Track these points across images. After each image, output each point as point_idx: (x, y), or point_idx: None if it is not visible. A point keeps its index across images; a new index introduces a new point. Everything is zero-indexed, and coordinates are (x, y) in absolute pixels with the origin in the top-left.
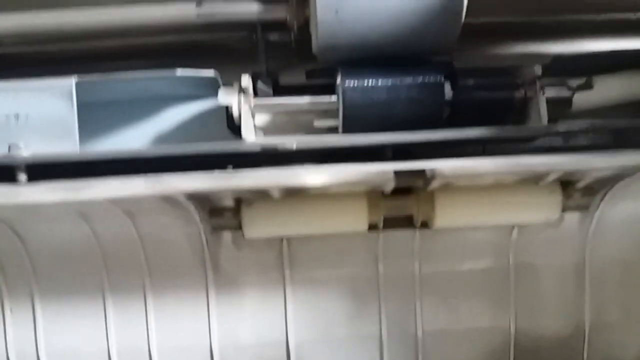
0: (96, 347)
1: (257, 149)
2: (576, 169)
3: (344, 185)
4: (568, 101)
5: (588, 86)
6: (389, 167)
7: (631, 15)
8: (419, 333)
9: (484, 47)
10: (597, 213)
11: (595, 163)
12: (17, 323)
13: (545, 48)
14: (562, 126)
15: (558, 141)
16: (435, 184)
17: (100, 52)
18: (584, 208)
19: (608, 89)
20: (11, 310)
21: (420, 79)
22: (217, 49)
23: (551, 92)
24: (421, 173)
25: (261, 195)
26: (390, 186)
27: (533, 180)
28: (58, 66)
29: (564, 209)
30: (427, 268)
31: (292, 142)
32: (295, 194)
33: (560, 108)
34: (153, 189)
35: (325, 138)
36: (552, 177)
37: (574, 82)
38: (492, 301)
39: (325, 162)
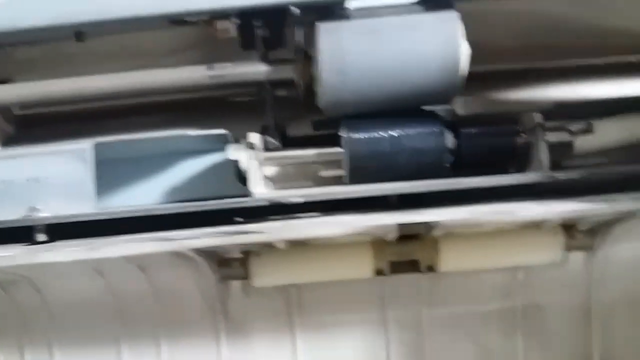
0: None
1: (265, 203)
2: (573, 216)
3: (348, 236)
4: (569, 145)
5: (588, 130)
6: (391, 218)
7: (632, 58)
8: None
9: (489, 93)
10: (602, 253)
11: (591, 210)
12: None
13: (548, 92)
14: (561, 174)
15: (558, 187)
16: (437, 232)
17: (120, 110)
18: (588, 248)
19: (608, 133)
20: None
21: (421, 130)
22: (228, 104)
23: (552, 137)
24: (423, 224)
25: (268, 246)
26: (393, 236)
27: (535, 225)
28: (80, 123)
29: (568, 249)
30: (434, 311)
31: (298, 196)
32: (301, 244)
33: (562, 151)
34: (164, 246)
35: (331, 190)
36: (551, 223)
37: (575, 127)
38: (500, 343)
39: (331, 212)
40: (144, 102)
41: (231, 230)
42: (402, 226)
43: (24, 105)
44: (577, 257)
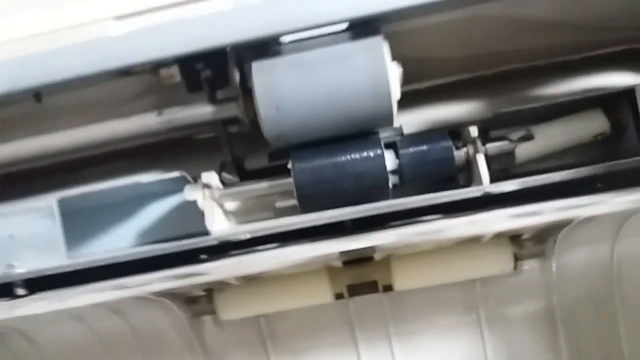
0: None
1: (215, 242)
2: (506, 229)
3: (295, 267)
4: (511, 154)
5: (529, 137)
6: (331, 246)
7: (575, 57)
8: None
9: (433, 108)
10: (555, 258)
11: (517, 222)
12: None
13: (490, 102)
14: (494, 188)
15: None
16: (378, 255)
17: (81, 162)
18: (540, 255)
19: (549, 138)
20: None
21: (362, 154)
22: (188, 144)
23: (492, 149)
24: (363, 249)
25: (226, 284)
26: (338, 262)
27: (474, 240)
28: (53, 177)
29: (519, 258)
30: (401, 328)
31: (245, 233)
32: (256, 279)
33: (504, 161)
34: (124, 293)
35: (274, 222)
36: (487, 236)
37: (515, 135)
38: (468, 353)
39: (285, 241)
40: (107, 151)
41: (180, 273)
42: (342, 254)
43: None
44: (532, 264)
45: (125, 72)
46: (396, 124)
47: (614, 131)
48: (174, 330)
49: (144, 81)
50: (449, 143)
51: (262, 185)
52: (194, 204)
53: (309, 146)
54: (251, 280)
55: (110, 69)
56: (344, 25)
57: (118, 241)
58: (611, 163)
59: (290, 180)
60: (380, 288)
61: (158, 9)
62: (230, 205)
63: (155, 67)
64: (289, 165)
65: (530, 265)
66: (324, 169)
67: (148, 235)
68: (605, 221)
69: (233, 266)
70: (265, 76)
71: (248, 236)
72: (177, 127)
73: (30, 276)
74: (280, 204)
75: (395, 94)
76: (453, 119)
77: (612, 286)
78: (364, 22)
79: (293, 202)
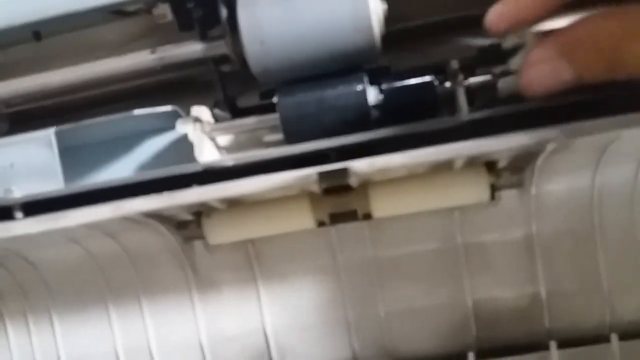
0: (105, 348)
1: (200, 168)
2: (470, 154)
3: (276, 191)
4: (492, 88)
5: (508, 72)
6: (310, 171)
7: None
8: (382, 314)
9: (420, 47)
10: (533, 188)
11: (483, 147)
12: (39, 333)
13: (474, 39)
14: (468, 116)
15: (469, 129)
16: (354, 181)
17: (83, 102)
18: (518, 185)
19: None
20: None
21: (345, 89)
22: (182, 85)
23: (474, 82)
24: (338, 172)
25: (212, 208)
26: (317, 187)
27: (446, 166)
28: (57, 117)
29: (496, 188)
30: (380, 253)
31: (229, 160)
32: (239, 204)
33: (486, 95)
34: (114, 212)
35: (257, 153)
36: (458, 162)
37: (497, 69)
38: (447, 279)
39: (268, 172)
40: (105, 92)
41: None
42: (322, 176)
43: (7, 103)
44: (510, 194)
45: (121, 13)
46: (384, 63)
47: None
48: (165, 253)
49: (139, 24)
50: (431, 77)
51: (251, 121)
52: (187, 141)
53: (295, 83)
54: (236, 206)
55: (102, 5)
56: None
57: (113, 175)
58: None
59: (277, 115)
60: (360, 216)
61: None
62: (222, 140)
63: (149, 6)
64: (275, 101)
65: (509, 195)
66: (308, 103)
67: (142, 170)
68: (585, 148)
69: (215, 189)
70: (249, 10)
71: (232, 162)
72: (170, 64)
73: (27, 200)
74: (268, 138)
75: (378, 27)
76: (441, 58)
77: (592, 216)
78: None
79: (280, 136)
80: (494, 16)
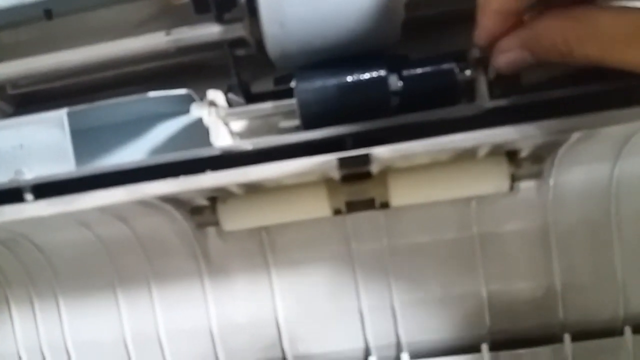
0: (113, 335)
1: (218, 152)
2: (504, 142)
3: (295, 177)
4: (516, 77)
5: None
6: (331, 156)
7: None
8: (396, 304)
9: (441, 35)
10: (552, 179)
11: (507, 135)
12: (45, 319)
13: None
14: (490, 104)
15: (491, 117)
16: (375, 168)
17: (94, 85)
18: (537, 175)
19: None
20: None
21: (365, 75)
22: (195, 69)
23: (494, 71)
24: (360, 158)
25: (228, 193)
26: (337, 173)
27: (470, 154)
28: (66, 99)
29: (516, 178)
30: (395, 243)
31: (248, 144)
32: (257, 189)
33: (510, 84)
34: (129, 195)
35: (276, 138)
36: (482, 150)
37: None
38: (462, 269)
39: (286, 158)
40: (119, 74)
41: (183, 179)
42: (342, 162)
43: (14, 84)
44: (529, 185)
45: None
46: (403, 51)
47: None
48: (177, 239)
49: (154, 5)
50: (452, 65)
51: (266, 106)
52: (201, 125)
53: (314, 67)
54: (253, 192)
55: None
56: None
57: (124, 158)
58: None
59: (294, 100)
60: (377, 205)
61: None
62: (236, 125)
63: None
64: (293, 86)
65: (527, 186)
66: (327, 89)
67: (156, 154)
68: (606, 140)
69: (235, 174)
70: None
71: (250, 147)
72: (185, 47)
73: (38, 182)
74: (284, 124)
75: (399, 11)
76: (459, 46)
77: (609, 208)
78: None
79: (296, 122)
80: (477, 36)
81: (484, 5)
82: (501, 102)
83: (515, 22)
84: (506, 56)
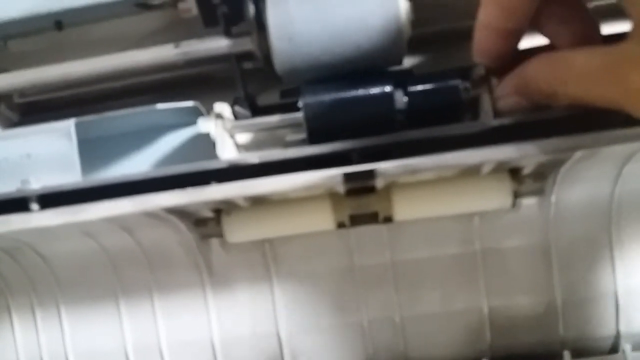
0: (114, 345)
1: (225, 165)
2: (508, 160)
3: (300, 190)
4: None
5: None
6: (337, 171)
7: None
8: (397, 318)
9: (446, 51)
10: (554, 196)
11: (512, 153)
12: (46, 328)
13: None
14: (494, 122)
15: (496, 135)
16: (380, 183)
17: (101, 95)
18: (539, 192)
19: None
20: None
21: (372, 91)
22: (202, 81)
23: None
24: (365, 173)
25: (234, 206)
26: (342, 188)
27: (474, 171)
28: (73, 109)
29: (518, 195)
30: (398, 257)
31: (254, 157)
32: (262, 202)
33: None
34: (136, 207)
35: (282, 152)
36: (487, 167)
37: None
38: (463, 285)
39: (292, 171)
40: (126, 85)
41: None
42: (348, 176)
43: (21, 93)
44: (530, 201)
45: (145, 5)
46: (407, 65)
47: None
48: (181, 250)
49: (163, 17)
50: (457, 82)
51: (273, 119)
52: (207, 137)
53: (321, 83)
54: (258, 204)
55: None
56: None
57: (130, 169)
58: None
59: (301, 114)
60: (381, 219)
61: None
62: (242, 137)
63: (174, 0)
64: (299, 99)
65: (528, 202)
66: (333, 104)
67: (161, 165)
68: (607, 159)
69: (241, 186)
70: (279, 7)
71: (257, 160)
72: (193, 59)
73: (44, 192)
74: (290, 137)
75: (406, 29)
76: (464, 63)
77: (610, 226)
78: None
79: (302, 135)
80: (473, 50)
81: (477, 20)
82: (505, 121)
83: (513, 57)
84: (504, 102)
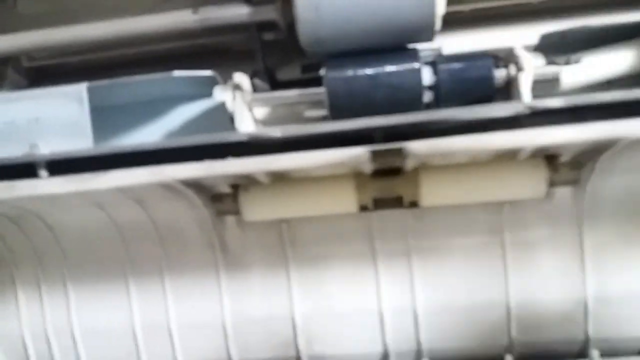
0: (122, 324)
1: (245, 138)
2: (551, 145)
3: (325, 168)
4: (556, 80)
5: (575, 60)
6: (364, 149)
7: None
8: (418, 308)
9: (477, 31)
10: (589, 187)
11: (555, 137)
12: (52, 303)
13: (536, 28)
14: (537, 103)
15: (532, 118)
16: (410, 163)
17: (113, 62)
18: (574, 182)
19: (596, 64)
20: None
21: (399, 67)
22: (220, 51)
23: (538, 70)
24: (395, 152)
25: (253, 181)
26: (369, 167)
27: (510, 156)
28: (84, 75)
29: (552, 183)
30: (421, 244)
31: (277, 131)
32: (283, 179)
33: (548, 86)
34: (151, 177)
35: (307, 127)
36: (525, 152)
37: (560, 59)
38: (490, 276)
39: (314, 148)
40: (142, 52)
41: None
42: (376, 154)
43: (30, 56)
44: (564, 191)
45: None
46: (437, 45)
47: None
48: (195, 226)
49: None
50: (489, 61)
51: (293, 93)
52: (222, 109)
53: (345, 56)
54: (279, 182)
55: None
56: None
57: (143, 139)
58: None
59: (322, 89)
60: (406, 204)
61: None
62: (259, 111)
63: None
64: (322, 73)
65: (562, 192)
66: (359, 80)
67: (175, 136)
68: None
69: (264, 161)
70: None
71: (279, 134)
72: (212, 27)
73: (54, 158)
74: (310, 113)
75: (441, 3)
76: (495, 44)
77: None
78: None
79: (322, 112)
80: None
81: None
82: (549, 103)
83: None
84: None
